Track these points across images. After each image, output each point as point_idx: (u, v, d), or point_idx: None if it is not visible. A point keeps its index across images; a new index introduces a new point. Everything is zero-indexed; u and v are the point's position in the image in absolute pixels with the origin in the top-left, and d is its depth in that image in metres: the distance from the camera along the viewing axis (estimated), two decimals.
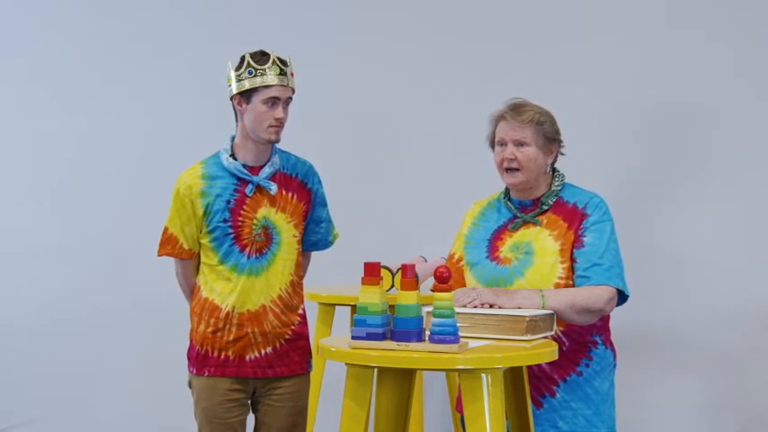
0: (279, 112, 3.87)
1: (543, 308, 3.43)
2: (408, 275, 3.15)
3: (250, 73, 3.86)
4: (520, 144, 3.59)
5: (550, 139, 3.62)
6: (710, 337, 4.85)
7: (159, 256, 4.04)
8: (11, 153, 5.85)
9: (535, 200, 3.64)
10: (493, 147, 3.68)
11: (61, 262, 5.73)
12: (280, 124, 3.89)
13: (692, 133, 4.90)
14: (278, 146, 4.00)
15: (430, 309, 3.16)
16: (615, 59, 4.99)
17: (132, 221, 5.56)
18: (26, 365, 5.77)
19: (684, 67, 4.91)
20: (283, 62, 3.89)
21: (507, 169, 3.60)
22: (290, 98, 3.92)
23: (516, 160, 3.58)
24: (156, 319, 5.55)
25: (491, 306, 3.40)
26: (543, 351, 3.23)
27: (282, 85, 3.87)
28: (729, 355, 4.83)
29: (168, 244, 4.00)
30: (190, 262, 4.02)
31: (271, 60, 3.86)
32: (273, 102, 3.87)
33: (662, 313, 4.88)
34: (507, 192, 3.70)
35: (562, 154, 3.68)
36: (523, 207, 3.65)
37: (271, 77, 3.85)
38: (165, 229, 4.00)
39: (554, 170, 3.67)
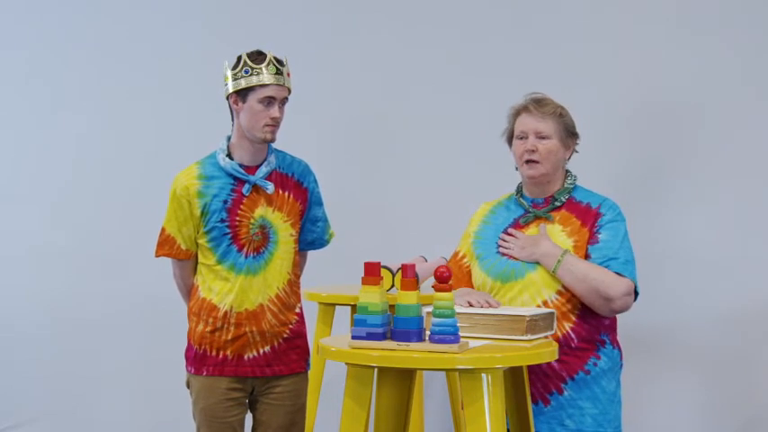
0: (275, 112, 3.87)
1: (554, 272, 3.49)
2: (408, 275, 3.16)
3: (246, 72, 3.87)
4: (541, 137, 3.61)
5: (570, 132, 3.63)
6: (710, 337, 4.85)
7: (157, 256, 4.04)
8: (11, 154, 5.85)
9: (547, 198, 3.66)
10: (510, 142, 3.69)
11: (61, 262, 5.73)
12: (275, 123, 3.89)
13: (691, 134, 4.90)
14: (273, 145, 4.00)
15: (430, 309, 3.17)
16: (614, 60, 4.99)
17: (132, 222, 5.56)
18: (27, 365, 5.77)
19: (684, 68, 4.91)
20: (280, 62, 3.90)
21: (528, 161, 3.62)
22: (286, 98, 3.93)
23: (537, 152, 3.60)
24: (155, 319, 5.55)
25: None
26: (543, 351, 3.23)
27: (278, 85, 3.87)
28: (729, 355, 4.83)
29: (166, 245, 4.00)
30: (187, 262, 4.02)
31: (267, 60, 3.86)
32: (269, 101, 3.87)
33: (662, 313, 4.88)
34: (520, 189, 3.72)
35: (576, 151, 3.70)
36: (536, 204, 3.67)
37: (267, 77, 3.86)
38: (163, 230, 4.00)
39: (566, 170, 3.69)
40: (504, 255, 3.61)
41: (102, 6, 5.78)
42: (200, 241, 3.96)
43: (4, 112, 5.85)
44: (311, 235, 4.09)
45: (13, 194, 5.82)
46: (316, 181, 4.07)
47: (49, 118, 5.79)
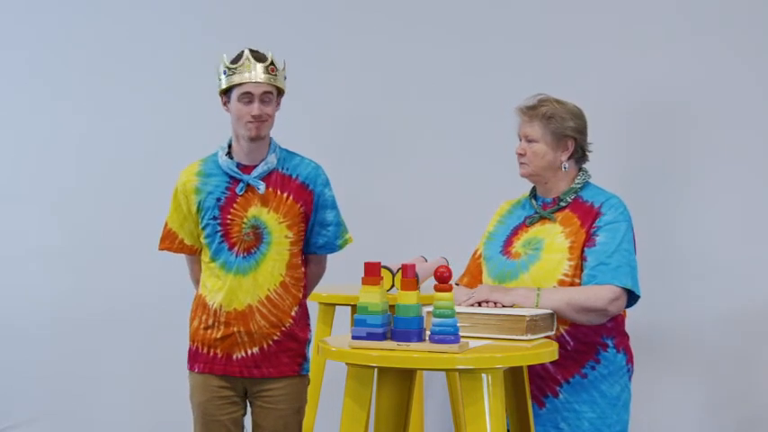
0: (254, 109, 3.87)
1: (537, 306, 3.44)
2: (408, 275, 3.16)
3: (225, 73, 3.90)
4: (529, 140, 3.64)
5: (560, 135, 3.63)
6: (711, 337, 4.85)
7: (159, 250, 4.09)
8: (11, 154, 5.85)
9: (554, 198, 3.67)
10: None
11: (61, 262, 5.73)
12: (258, 120, 3.88)
13: (692, 133, 4.91)
14: (285, 147, 4.00)
15: (430, 309, 3.17)
16: (616, 60, 5.00)
17: (133, 222, 5.56)
18: (27, 365, 5.77)
19: (684, 68, 4.91)
20: (260, 58, 3.89)
21: (520, 163, 3.67)
22: (269, 93, 3.89)
23: (525, 155, 3.65)
24: (155, 319, 5.55)
25: (486, 303, 3.42)
26: (543, 351, 3.23)
27: (255, 82, 3.87)
28: (729, 355, 4.83)
29: (167, 239, 4.05)
30: (194, 257, 4.05)
31: (244, 57, 3.88)
32: (249, 98, 3.87)
33: (662, 313, 4.88)
34: (533, 189, 3.73)
35: (588, 152, 3.70)
36: (545, 204, 3.68)
37: (243, 75, 3.87)
38: (165, 224, 4.05)
39: (580, 169, 3.69)
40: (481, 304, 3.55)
41: (102, 6, 5.78)
42: (200, 238, 3.97)
43: (5, 112, 5.85)
44: (321, 239, 4.06)
45: (13, 194, 5.82)
46: (326, 184, 4.03)
47: (49, 118, 5.79)
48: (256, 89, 3.87)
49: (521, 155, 3.65)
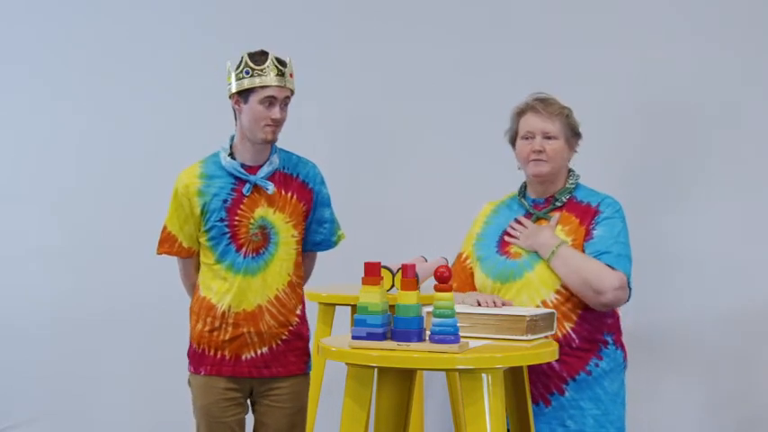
0: (275, 112, 3.87)
1: (548, 261, 3.49)
2: (409, 275, 3.16)
3: (247, 73, 3.86)
4: (548, 137, 3.60)
5: (575, 132, 3.64)
6: (711, 336, 4.85)
7: (158, 254, 4.06)
8: (11, 154, 5.85)
9: (548, 198, 3.66)
10: (513, 142, 3.68)
11: (61, 262, 5.73)
12: (276, 124, 3.88)
13: (691, 133, 4.91)
14: (282, 146, 4.00)
15: (430, 309, 3.17)
16: (616, 60, 4.99)
17: (133, 222, 5.56)
18: (27, 365, 5.77)
19: (685, 68, 4.91)
20: (282, 62, 3.89)
21: (534, 161, 3.61)
22: (288, 98, 3.92)
23: (544, 152, 3.60)
24: (155, 319, 5.55)
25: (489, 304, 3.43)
26: (543, 351, 3.23)
27: (279, 86, 3.87)
28: (729, 355, 4.83)
29: (166, 242, 4.02)
30: (189, 260, 4.02)
31: (269, 60, 3.86)
32: (270, 101, 3.86)
33: (662, 313, 4.88)
34: (522, 189, 3.71)
35: (575, 151, 3.69)
36: (536, 204, 3.66)
37: (268, 77, 3.85)
38: (164, 228, 4.02)
39: (569, 169, 3.69)
40: (509, 242, 3.61)
41: (102, 6, 5.78)
42: (201, 240, 3.96)
43: (5, 112, 5.85)
44: (318, 236, 4.07)
45: (13, 194, 5.82)
46: (323, 182, 4.05)
47: (49, 118, 5.79)
48: (280, 93, 3.87)
49: (539, 152, 3.60)
